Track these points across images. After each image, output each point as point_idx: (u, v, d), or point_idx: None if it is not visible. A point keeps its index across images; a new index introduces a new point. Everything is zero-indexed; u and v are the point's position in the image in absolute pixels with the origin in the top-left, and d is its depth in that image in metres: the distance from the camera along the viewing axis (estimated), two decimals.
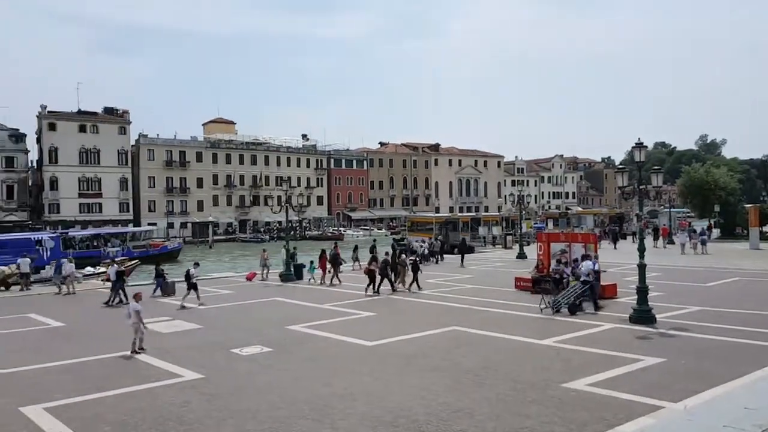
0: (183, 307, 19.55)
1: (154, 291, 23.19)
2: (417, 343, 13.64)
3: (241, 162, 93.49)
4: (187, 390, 10.24)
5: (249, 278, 27.85)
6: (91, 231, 58.34)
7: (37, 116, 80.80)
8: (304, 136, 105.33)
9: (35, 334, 16.06)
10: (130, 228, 61.06)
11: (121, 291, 20.96)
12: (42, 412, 9.10)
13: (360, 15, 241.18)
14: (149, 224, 78.56)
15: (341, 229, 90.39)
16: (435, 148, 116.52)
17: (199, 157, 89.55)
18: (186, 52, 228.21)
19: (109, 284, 22.69)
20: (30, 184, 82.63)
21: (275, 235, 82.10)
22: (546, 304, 17.15)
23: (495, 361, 11.77)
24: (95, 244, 52.01)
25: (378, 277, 22.00)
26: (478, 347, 13.10)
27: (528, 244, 39.27)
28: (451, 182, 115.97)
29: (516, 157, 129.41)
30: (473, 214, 67.23)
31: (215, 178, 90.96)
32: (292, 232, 57.60)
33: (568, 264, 19.63)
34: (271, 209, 36.26)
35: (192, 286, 20.77)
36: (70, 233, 53.37)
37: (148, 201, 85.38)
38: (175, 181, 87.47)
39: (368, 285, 21.92)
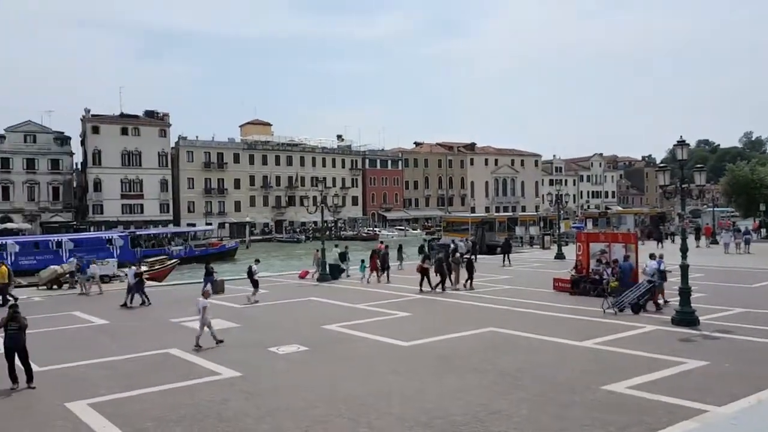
0: (256, 301, 20.58)
1: (204, 288, 23.60)
2: (453, 343, 13.57)
3: (278, 163, 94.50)
4: (225, 387, 10.39)
5: (301, 276, 28.39)
6: (156, 230, 60.82)
7: (82, 120, 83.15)
8: (339, 137, 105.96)
9: (80, 331, 16.52)
10: (192, 228, 64.05)
11: (141, 293, 20.77)
12: (86, 408, 9.35)
13: (394, 16, 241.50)
14: (188, 224, 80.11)
15: (376, 229, 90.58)
16: (471, 147, 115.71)
17: (236, 159, 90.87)
18: (224, 56, 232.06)
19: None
20: (75, 185, 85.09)
21: (311, 236, 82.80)
22: (609, 304, 16.89)
23: (533, 363, 11.63)
24: (160, 242, 54.39)
25: (434, 275, 22.38)
26: (516, 349, 12.96)
27: (566, 245, 38.75)
28: (487, 182, 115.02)
29: (554, 155, 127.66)
30: (510, 214, 66.55)
31: (252, 179, 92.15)
32: (327, 233, 58.23)
33: (608, 264, 19.29)
34: (307, 209, 36.57)
35: (254, 283, 21.42)
36: (137, 232, 55.81)
37: (188, 202, 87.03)
38: (213, 182, 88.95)
39: (421, 282, 22.28)
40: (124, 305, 20.41)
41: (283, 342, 13.88)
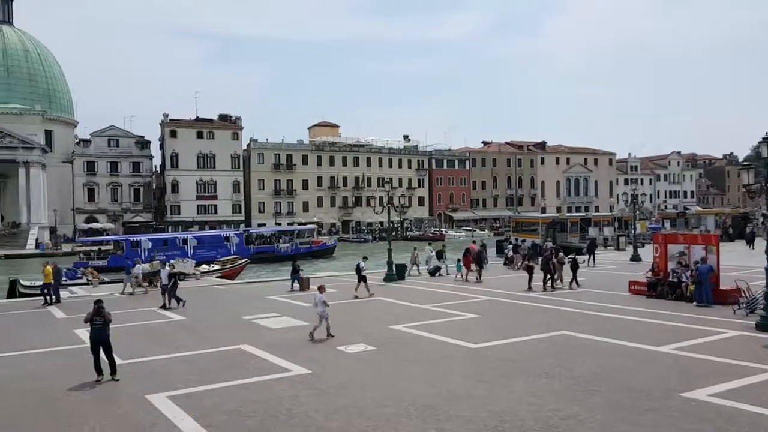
0: (365, 297, 21.36)
1: (292, 285, 24.54)
2: (523, 346, 13.30)
3: (345, 164, 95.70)
4: (296, 384, 10.58)
5: None
6: (266, 229, 64.72)
7: (160, 124, 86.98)
8: (405, 137, 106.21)
9: (159, 326, 17.24)
10: (297, 227, 67.60)
11: (173, 294, 20.35)
12: (165, 400, 9.73)
13: (462, 16, 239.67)
14: (259, 225, 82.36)
15: (442, 229, 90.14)
16: (541, 146, 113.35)
17: (304, 160, 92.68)
18: (293, 59, 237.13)
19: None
20: (154, 187, 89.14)
21: (377, 236, 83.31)
22: (740, 305, 16.26)
23: (607, 368, 11.24)
24: (269, 241, 57.83)
25: (541, 273, 22.91)
26: (589, 353, 12.56)
27: (642, 246, 37.38)
28: (558, 181, 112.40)
29: (629, 154, 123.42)
30: (582, 214, 64.72)
31: (320, 179, 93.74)
32: (393, 233, 58.62)
33: (687, 267, 18.44)
34: (374, 210, 36.78)
35: (362, 279, 22.05)
36: (250, 231, 59.87)
37: (258, 202, 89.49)
38: (282, 183, 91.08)
39: (529, 280, 22.86)
40: (163, 306, 20.03)
41: (351, 341, 14.00)
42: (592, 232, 47.03)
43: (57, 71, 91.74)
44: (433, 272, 28.59)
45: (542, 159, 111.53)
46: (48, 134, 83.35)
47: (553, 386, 10.13)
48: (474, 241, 32.37)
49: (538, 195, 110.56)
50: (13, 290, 27.12)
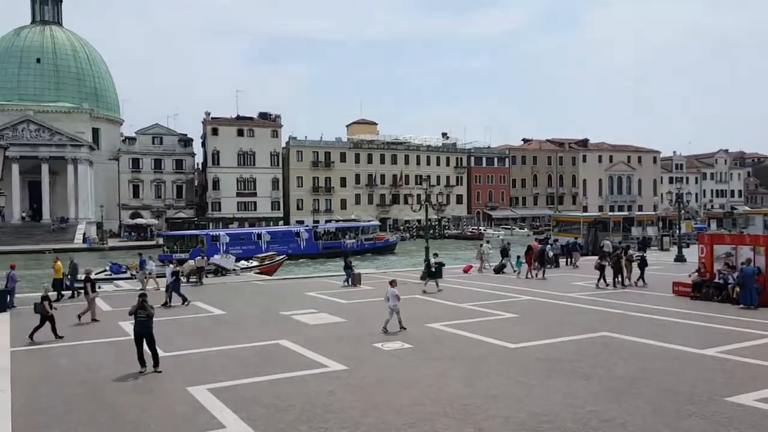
0: (434, 291, 21.77)
1: (345, 281, 24.92)
2: (563, 347, 13.10)
3: (382, 161, 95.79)
4: (332, 380, 10.65)
5: (465, 270, 29.26)
6: (333, 225, 66.16)
7: (202, 122, 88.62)
8: (444, 135, 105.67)
9: (200, 320, 17.58)
10: (362, 223, 68.88)
11: (178, 292, 20.20)
12: (206, 392, 9.93)
13: (500, 12, 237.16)
14: (297, 222, 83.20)
15: (481, 228, 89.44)
16: (583, 143, 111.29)
17: (342, 158, 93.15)
18: (332, 58, 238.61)
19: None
20: (196, 184, 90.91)
21: (414, 234, 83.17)
22: None
23: (650, 371, 10.98)
24: (336, 236, 59.23)
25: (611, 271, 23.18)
26: (631, 355, 12.29)
27: (687, 247, 36.37)
28: (600, 179, 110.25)
29: (674, 152, 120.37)
30: (625, 213, 63.35)
31: (357, 177, 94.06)
32: (431, 231, 58.68)
33: (734, 268, 17.88)
34: (411, 207, 36.77)
35: (432, 275, 22.57)
36: (318, 227, 61.48)
37: (297, 200, 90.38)
38: (320, 181, 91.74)
39: (598, 279, 23.15)
40: (165, 304, 19.63)
41: (387, 338, 14.02)
42: (635, 231, 45.97)
43: (104, 70, 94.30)
44: (499, 270, 28.70)
45: (584, 157, 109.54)
46: (95, 132, 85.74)
47: (594, 388, 9.96)
48: (537, 240, 32.60)
49: (579, 193, 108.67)
50: (61, 283, 28.01)
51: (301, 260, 49.53)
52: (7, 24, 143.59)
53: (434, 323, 15.90)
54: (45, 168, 75.71)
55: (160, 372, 11.28)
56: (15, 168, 71.43)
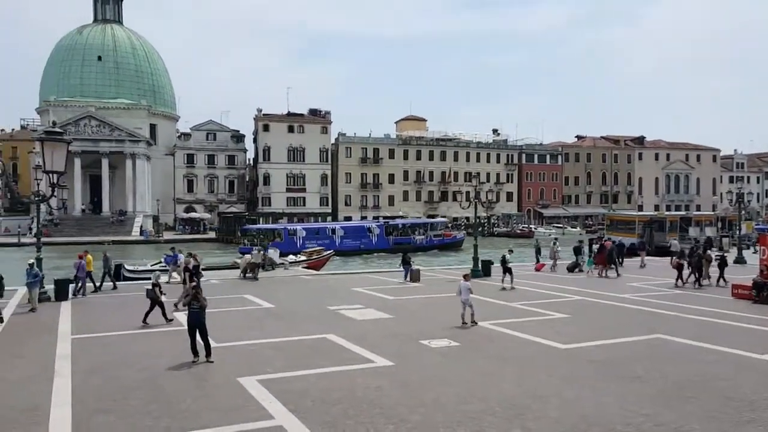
0: (507, 288, 22.13)
1: (405, 277, 25.22)
2: (615, 349, 12.76)
3: (431, 158, 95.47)
4: (379, 376, 10.67)
5: (537, 269, 29.37)
6: (405, 221, 67.82)
7: (254, 119, 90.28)
8: (494, 131, 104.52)
9: (250, 312, 17.91)
10: (430, 220, 70.17)
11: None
12: (255, 383, 10.10)
13: (554, 5, 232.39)
14: (345, 218, 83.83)
15: (531, 226, 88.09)
16: (639, 141, 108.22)
17: (391, 154, 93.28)
18: (381, 54, 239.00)
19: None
20: (247, 179, 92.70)
21: (464, 232, 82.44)
22: None
23: (705, 375, 10.59)
24: (406, 232, 60.52)
25: (686, 271, 23.33)
26: (687, 358, 11.88)
27: (747, 248, 34.98)
28: (657, 178, 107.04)
29: (734, 150, 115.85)
30: (683, 213, 61.31)
31: (406, 173, 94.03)
32: (480, 229, 58.40)
33: None
34: (460, 205, 36.47)
35: (507, 270, 22.89)
36: (390, 223, 62.98)
37: (345, 195, 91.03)
38: (368, 177, 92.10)
39: (677, 278, 23.29)
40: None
41: (434, 336, 13.96)
42: (693, 232, 44.43)
43: (161, 68, 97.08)
44: (572, 268, 28.80)
45: (640, 154, 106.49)
46: (152, 128, 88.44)
47: (647, 391, 9.66)
48: (609, 239, 32.54)
49: (634, 192, 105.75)
50: (118, 274, 29.06)
51: (374, 254, 51.11)
52: (70, 22, 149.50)
53: (483, 322, 15.72)
54: (105, 162, 78.61)
55: (212, 362, 11.54)
56: (77, 162, 74.38)
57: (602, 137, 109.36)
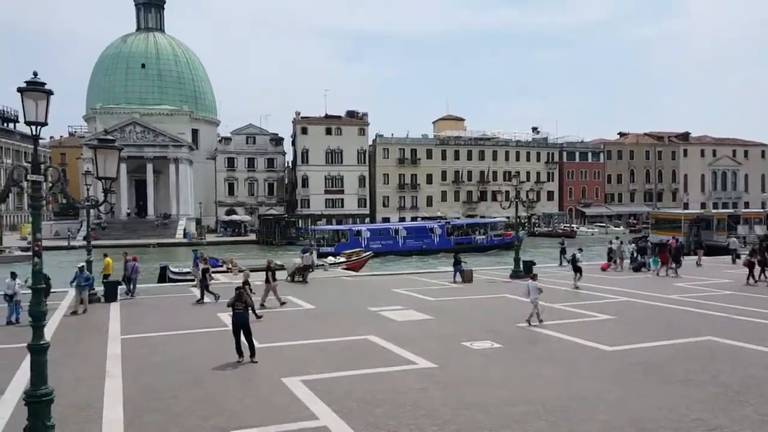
0: (577, 287, 22.26)
1: (454, 277, 25.26)
2: (663, 351, 12.45)
3: (469, 158, 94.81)
4: (422, 377, 10.66)
5: (603, 268, 29.23)
6: (465, 221, 68.65)
7: (293, 122, 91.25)
8: (534, 129, 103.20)
9: (293, 314, 18.08)
10: (490, 219, 70.16)
11: (207, 289, 20.14)
12: (299, 384, 10.22)
13: (593, 1, 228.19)
14: (383, 219, 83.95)
15: (573, 225, 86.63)
16: (684, 137, 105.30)
17: (428, 154, 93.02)
18: (419, 53, 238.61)
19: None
20: (286, 182, 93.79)
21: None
22: None
23: (759, 378, 10.25)
24: (467, 232, 61.46)
25: (758, 268, 23.36)
26: (738, 361, 11.51)
27: None
28: (702, 175, 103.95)
29: None
30: (730, 210, 59.46)
31: (444, 174, 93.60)
32: (520, 229, 57.93)
33: None
34: (500, 204, 36.09)
35: (577, 269, 23.09)
36: (451, 223, 63.63)
37: (383, 197, 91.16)
38: (406, 178, 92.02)
39: (748, 276, 23.26)
40: (199, 301, 19.99)
41: (476, 337, 13.87)
42: (741, 230, 43.02)
43: (202, 74, 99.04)
44: (638, 268, 28.55)
45: (685, 151, 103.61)
46: (194, 133, 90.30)
47: (697, 394, 9.41)
48: (673, 238, 32.23)
49: (680, 189, 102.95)
50: (163, 276, 29.76)
51: (440, 254, 51.32)
52: (115, 32, 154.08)
53: (525, 323, 15.56)
54: (149, 167, 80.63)
55: (257, 362, 11.72)
56: (123, 167, 76.39)
57: (645, 134, 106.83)
